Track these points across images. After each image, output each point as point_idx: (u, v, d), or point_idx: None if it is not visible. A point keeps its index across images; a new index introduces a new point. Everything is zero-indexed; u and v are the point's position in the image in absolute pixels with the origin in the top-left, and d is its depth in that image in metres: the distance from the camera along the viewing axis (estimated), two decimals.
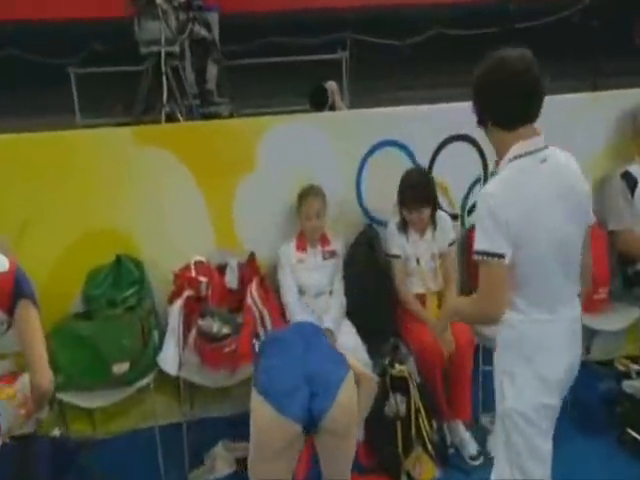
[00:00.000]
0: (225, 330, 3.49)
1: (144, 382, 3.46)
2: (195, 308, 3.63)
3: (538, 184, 2.19)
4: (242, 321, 3.55)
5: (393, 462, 3.36)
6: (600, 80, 8.02)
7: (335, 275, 3.77)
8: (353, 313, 3.71)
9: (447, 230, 3.73)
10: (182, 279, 3.64)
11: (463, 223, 4.06)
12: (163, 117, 4.36)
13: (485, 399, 3.67)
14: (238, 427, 3.60)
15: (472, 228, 3.83)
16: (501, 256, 2.13)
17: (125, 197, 3.68)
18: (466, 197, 4.04)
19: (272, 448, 2.42)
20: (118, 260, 3.70)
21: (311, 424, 2.40)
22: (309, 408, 2.39)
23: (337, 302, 3.70)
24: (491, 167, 4.00)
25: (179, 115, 4.41)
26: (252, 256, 3.80)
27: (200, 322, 3.51)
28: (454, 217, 3.97)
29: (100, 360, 3.38)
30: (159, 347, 3.55)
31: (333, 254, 3.76)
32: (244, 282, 3.75)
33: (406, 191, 3.56)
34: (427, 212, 3.58)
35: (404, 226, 3.65)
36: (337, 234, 3.82)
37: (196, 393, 3.84)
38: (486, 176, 3.99)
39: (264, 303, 3.63)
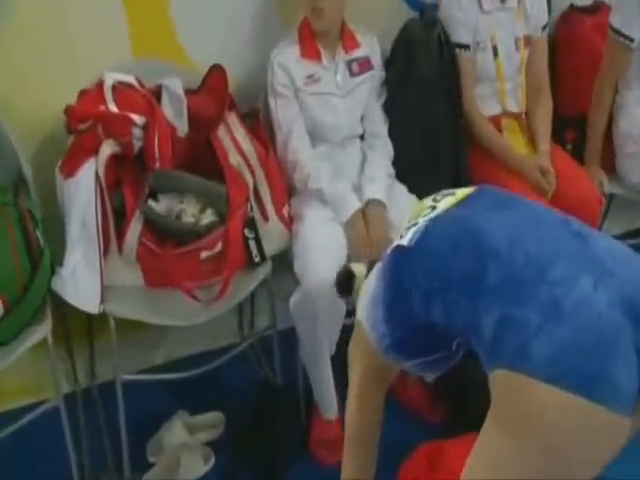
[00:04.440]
0: (209, 218, 1.94)
1: (37, 336, 1.85)
2: (128, 178, 1.99)
3: None
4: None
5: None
6: None
7: (372, 105, 2.32)
8: (405, 168, 2.31)
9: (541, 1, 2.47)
10: (89, 118, 1.93)
11: (549, 3, 2.57)
12: None
13: None
14: (185, 387, 2.27)
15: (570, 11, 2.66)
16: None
17: None
18: None
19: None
20: None
21: None
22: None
23: (382, 154, 2.29)
24: None
25: None
26: (218, 70, 2.14)
27: (153, 205, 1.90)
28: None
29: None
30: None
31: (367, 65, 2.27)
32: (197, 123, 2.12)
33: None
34: None
35: None
36: (367, 31, 2.32)
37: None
38: None
39: (260, 159, 2.11)
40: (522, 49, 2.45)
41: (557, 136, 2.53)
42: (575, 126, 2.59)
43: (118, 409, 2.05)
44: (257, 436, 2.19)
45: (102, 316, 1.94)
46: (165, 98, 2.11)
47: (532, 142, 2.47)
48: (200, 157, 2.11)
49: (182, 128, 2.10)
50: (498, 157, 2.36)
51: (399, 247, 1.44)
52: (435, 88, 2.29)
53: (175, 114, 2.10)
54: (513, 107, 2.49)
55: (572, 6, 2.66)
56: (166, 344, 2.50)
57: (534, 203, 1.42)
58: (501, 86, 2.44)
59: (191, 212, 1.93)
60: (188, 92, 2.15)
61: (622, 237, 2.82)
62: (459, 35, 2.35)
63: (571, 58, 2.58)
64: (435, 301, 1.34)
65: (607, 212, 2.63)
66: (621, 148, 2.53)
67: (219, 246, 1.97)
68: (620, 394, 1.15)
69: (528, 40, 2.47)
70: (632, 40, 2.36)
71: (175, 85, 2.11)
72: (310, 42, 2.21)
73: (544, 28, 2.51)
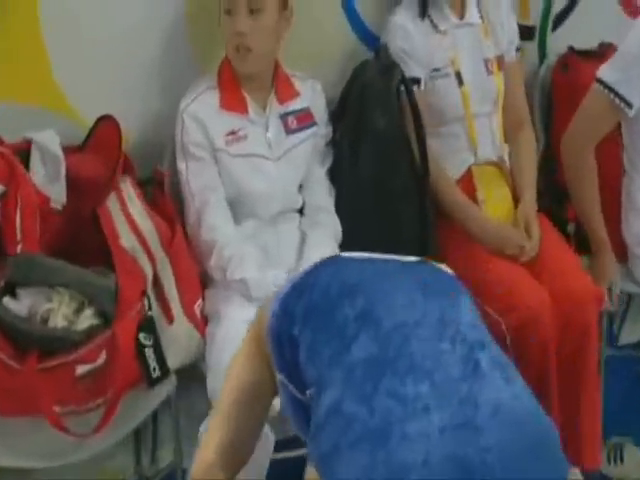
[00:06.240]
0: (87, 320, 1.49)
1: None
2: None
3: None
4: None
5: None
6: None
7: (314, 170, 1.92)
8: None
9: (507, 12, 2.16)
10: None
11: (543, 45, 2.34)
12: None
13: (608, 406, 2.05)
14: None
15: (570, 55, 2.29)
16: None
17: None
18: None
19: None
20: None
21: None
22: None
23: (327, 233, 1.88)
24: None
25: None
26: (108, 122, 1.71)
27: (10, 305, 1.45)
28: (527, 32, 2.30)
29: None
30: None
31: (307, 119, 1.87)
32: (79, 191, 1.66)
33: None
34: None
35: (424, 5, 1.98)
36: (308, 76, 1.93)
37: None
38: None
39: (163, 242, 1.66)
40: (496, 73, 2.08)
41: (554, 214, 2.14)
42: None
43: None
44: None
45: None
46: (35, 157, 1.65)
47: (515, 194, 2.09)
48: (83, 236, 1.66)
49: (58, 197, 1.64)
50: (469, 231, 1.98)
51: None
52: (395, 148, 1.89)
53: (49, 179, 1.64)
54: (489, 153, 2.08)
55: (572, 49, 2.27)
56: None
57: (476, 319, 1.11)
58: (470, 124, 2.04)
59: (63, 313, 1.48)
60: (68, 150, 1.69)
61: None
62: (410, 69, 1.98)
63: (571, 113, 2.07)
64: (308, 328, 1.12)
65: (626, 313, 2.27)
66: (633, 249, 2.10)
67: (103, 357, 1.53)
68: None
69: (501, 62, 2.11)
70: (630, 106, 1.92)
71: (49, 140, 1.66)
72: (233, 88, 1.79)
73: (518, 49, 2.18)
